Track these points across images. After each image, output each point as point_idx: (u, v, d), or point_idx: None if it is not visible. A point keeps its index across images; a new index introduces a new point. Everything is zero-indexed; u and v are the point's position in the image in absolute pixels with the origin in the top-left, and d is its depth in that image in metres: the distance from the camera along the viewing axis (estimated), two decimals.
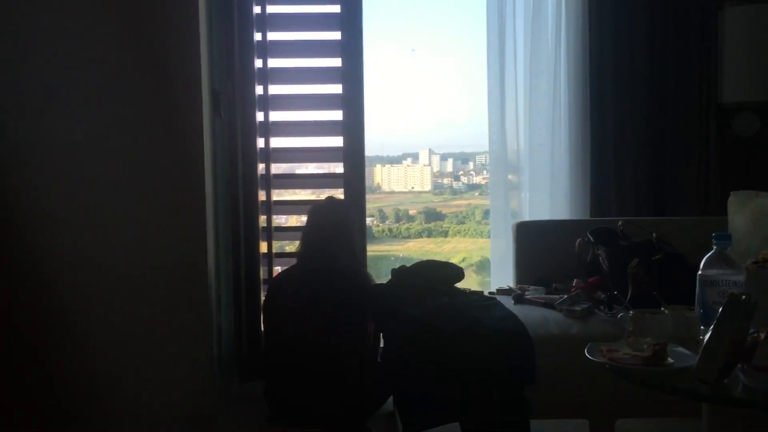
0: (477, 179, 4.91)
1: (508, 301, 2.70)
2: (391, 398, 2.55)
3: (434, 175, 4.91)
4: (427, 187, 4.89)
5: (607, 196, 3.28)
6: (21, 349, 2.58)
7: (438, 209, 4.86)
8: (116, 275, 2.62)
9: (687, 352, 1.71)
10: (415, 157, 4.94)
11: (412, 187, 4.87)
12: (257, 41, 3.02)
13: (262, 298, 3.03)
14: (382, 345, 2.65)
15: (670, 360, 1.67)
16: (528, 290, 2.79)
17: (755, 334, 1.55)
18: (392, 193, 4.88)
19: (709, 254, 1.79)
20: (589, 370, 1.84)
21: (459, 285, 2.79)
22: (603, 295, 2.57)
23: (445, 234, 4.78)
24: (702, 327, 1.76)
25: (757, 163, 3.21)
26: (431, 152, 4.92)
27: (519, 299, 2.70)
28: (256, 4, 3.01)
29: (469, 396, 2.29)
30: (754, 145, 3.22)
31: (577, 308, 2.50)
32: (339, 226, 2.72)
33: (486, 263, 3.99)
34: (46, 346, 2.59)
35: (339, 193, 3.11)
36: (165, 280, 2.64)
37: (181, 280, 2.65)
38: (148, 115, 2.61)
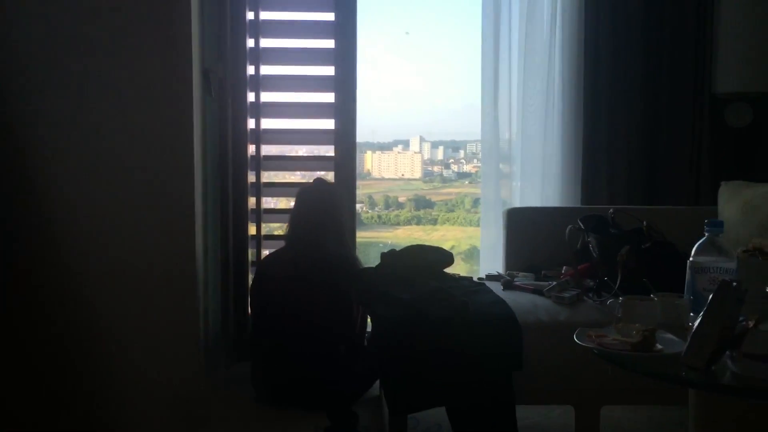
0: (467, 168, 4.90)
1: (497, 287, 2.69)
2: (377, 382, 2.55)
3: (425, 163, 4.90)
4: (417, 174, 4.88)
5: (599, 184, 3.27)
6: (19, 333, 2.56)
7: (428, 197, 4.86)
8: (104, 255, 2.59)
9: (676, 338, 1.71)
10: (405, 144, 4.93)
11: (402, 174, 4.87)
12: (249, 20, 2.99)
13: (251, 280, 3.01)
14: (369, 329, 2.64)
15: (658, 346, 1.67)
16: (517, 276, 2.79)
17: (744, 322, 1.55)
18: (382, 179, 4.87)
19: (701, 241, 1.79)
20: (577, 357, 1.84)
21: (448, 270, 2.78)
22: (592, 283, 2.57)
23: (435, 222, 4.78)
24: (692, 314, 1.76)
25: (749, 154, 3.20)
26: (422, 140, 4.91)
27: (508, 285, 2.69)
28: None
29: (455, 380, 2.28)
30: (747, 136, 3.21)
31: (566, 295, 2.50)
32: (327, 209, 2.70)
33: (475, 252, 4.00)
34: (37, 331, 2.57)
35: (329, 177, 3.08)
36: (152, 261, 2.60)
37: (168, 262, 2.61)
38: (137, 95, 2.56)
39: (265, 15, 3.03)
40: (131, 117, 2.57)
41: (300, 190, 2.77)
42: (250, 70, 3.01)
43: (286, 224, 2.80)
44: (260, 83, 3.04)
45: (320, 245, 2.61)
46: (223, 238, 2.97)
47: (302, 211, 2.71)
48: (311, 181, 2.88)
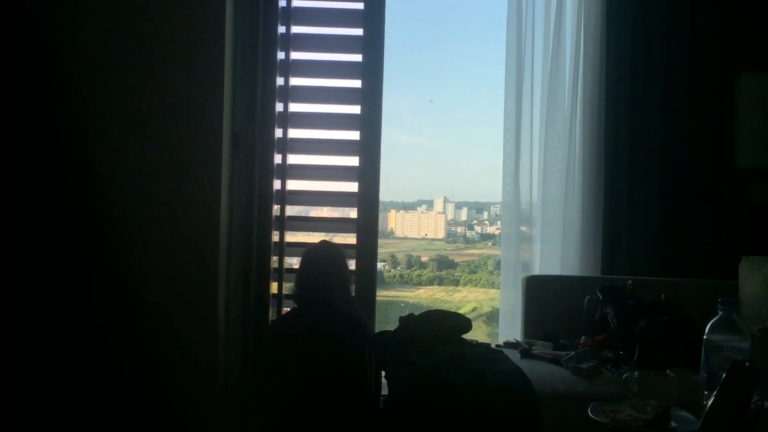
0: (491, 229, 4.93)
1: (514, 355, 2.69)
2: None
3: (448, 223, 4.94)
4: (441, 234, 4.91)
5: (619, 253, 3.28)
6: None
7: (450, 257, 4.88)
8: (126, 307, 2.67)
9: (690, 416, 1.71)
10: (429, 204, 4.98)
11: (426, 234, 4.90)
12: (279, 86, 3.09)
13: None
14: (385, 392, 2.65)
15: (672, 423, 1.67)
16: (535, 345, 2.79)
17: (759, 402, 1.54)
18: (405, 238, 4.91)
19: (715, 319, 1.79)
20: (593, 429, 1.83)
21: (466, 336, 2.79)
22: (610, 354, 2.57)
23: (457, 282, 4.79)
24: (706, 392, 1.76)
25: None
26: (446, 200, 4.96)
27: (526, 353, 2.69)
28: (281, 50, 3.09)
29: None
30: None
31: (584, 366, 2.49)
32: (333, 269, 2.74)
33: (496, 314, 3.99)
34: None
35: (351, 238, 3.13)
36: (175, 312, 2.69)
37: (189, 318, 2.69)
38: (170, 154, 2.69)
39: (294, 81, 3.13)
40: (163, 174, 2.69)
41: (306, 251, 2.82)
42: (278, 133, 3.09)
43: (293, 284, 2.84)
44: (287, 146, 3.12)
45: (329, 305, 2.65)
46: (245, 295, 3.02)
47: (309, 272, 2.75)
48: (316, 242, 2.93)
